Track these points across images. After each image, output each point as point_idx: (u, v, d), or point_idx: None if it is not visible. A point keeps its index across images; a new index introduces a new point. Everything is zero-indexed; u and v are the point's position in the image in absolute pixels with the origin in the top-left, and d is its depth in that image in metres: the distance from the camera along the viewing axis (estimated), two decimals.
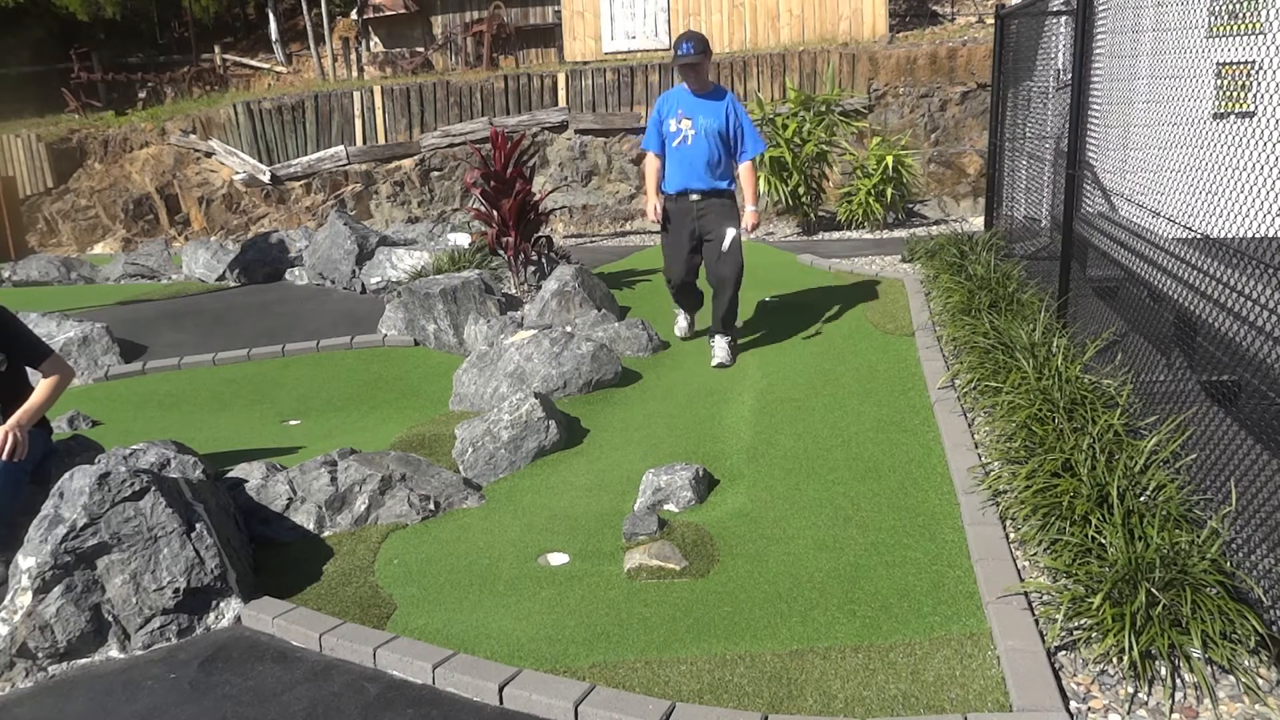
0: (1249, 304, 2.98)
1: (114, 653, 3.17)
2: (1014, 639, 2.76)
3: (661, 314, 6.65)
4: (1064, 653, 2.74)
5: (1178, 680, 2.59)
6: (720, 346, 5.60)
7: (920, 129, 10.93)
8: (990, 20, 12.00)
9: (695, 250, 5.57)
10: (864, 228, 9.92)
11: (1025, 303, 5.25)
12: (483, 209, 7.66)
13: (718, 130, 5.43)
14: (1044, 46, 6.37)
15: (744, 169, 5.55)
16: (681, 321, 6.16)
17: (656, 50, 12.54)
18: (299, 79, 15.25)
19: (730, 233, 5.44)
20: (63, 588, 3.13)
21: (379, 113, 12.19)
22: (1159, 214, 4.05)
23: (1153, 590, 2.67)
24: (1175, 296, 3.72)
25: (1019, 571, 3.14)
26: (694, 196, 5.47)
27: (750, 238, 4.94)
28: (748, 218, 5.50)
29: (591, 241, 10.87)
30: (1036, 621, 2.84)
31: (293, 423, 5.35)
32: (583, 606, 3.20)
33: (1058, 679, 2.60)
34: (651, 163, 5.65)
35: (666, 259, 5.72)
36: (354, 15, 15.08)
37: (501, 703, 2.75)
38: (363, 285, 8.10)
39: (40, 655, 3.10)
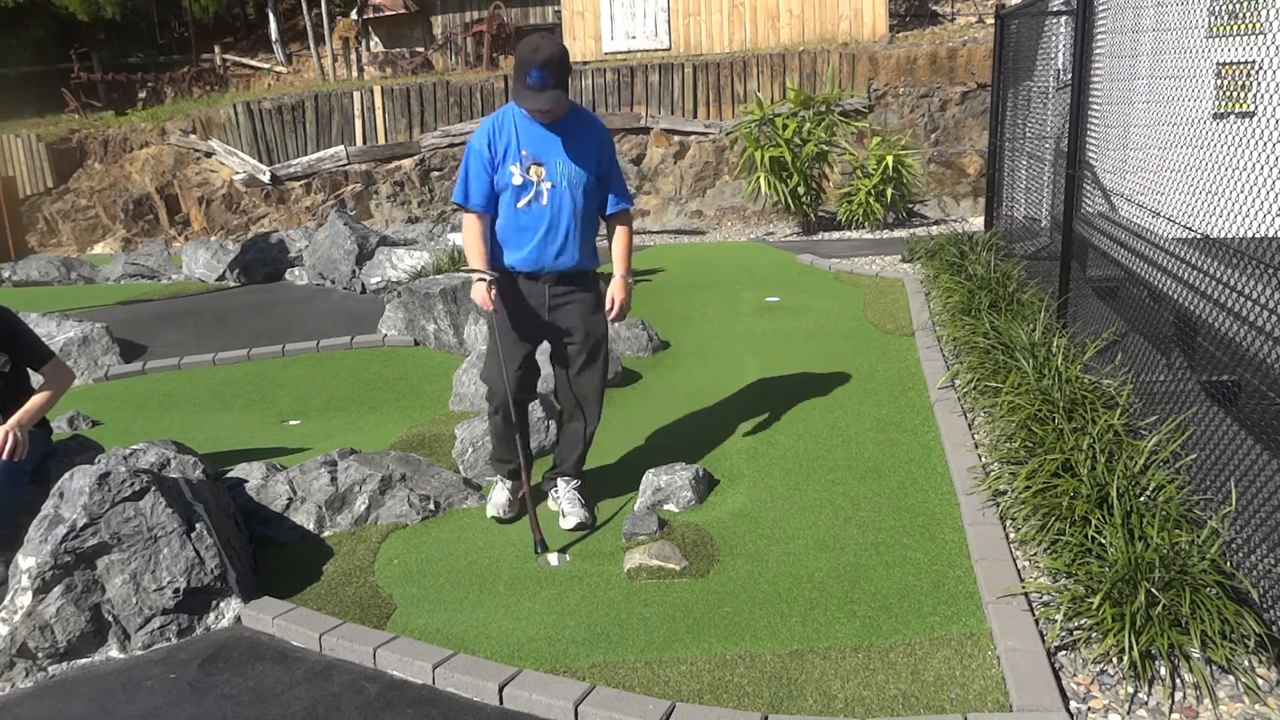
0: (1249, 304, 2.98)
1: (114, 653, 3.17)
2: (1014, 639, 2.76)
3: (662, 313, 6.65)
4: (1064, 653, 2.74)
5: (1178, 680, 2.59)
6: (570, 498, 3.85)
7: (920, 129, 10.93)
8: (990, 20, 12.00)
9: (534, 351, 3.83)
10: (864, 228, 9.92)
11: (1025, 303, 5.25)
12: None
13: (587, 183, 3.61)
14: (1044, 46, 6.37)
15: (621, 230, 3.76)
16: (500, 493, 3.92)
17: (656, 50, 12.53)
18: (299, 79, 15.25)
19: (599, 334, 3.78)
20: (63, 588, 3.13)
21: (379, 113, 12.19)
22: (1159, 214, 4.05)
23: (1152, 590, 2.67)
24: (1175, 296, 3.72)
25: (1019, 571, 3.14)
26: (550, 280, 3.68)
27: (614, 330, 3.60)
28: (617, 287, 3.69)
29: None
30: (1036, 621, 2.84)
31: (293, 423, 5.34)
32: (583, 606, 3.20)
33: (1058, 679, 2.60)
34: (473, 227, 3.63)
35: (494, 355, 3.73)
36: (354, 15, 15.08)
37: (501, 703, 2.75)
38: (363, 285, 8.09)
39: (40, 655, 3.10)
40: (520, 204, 3.58)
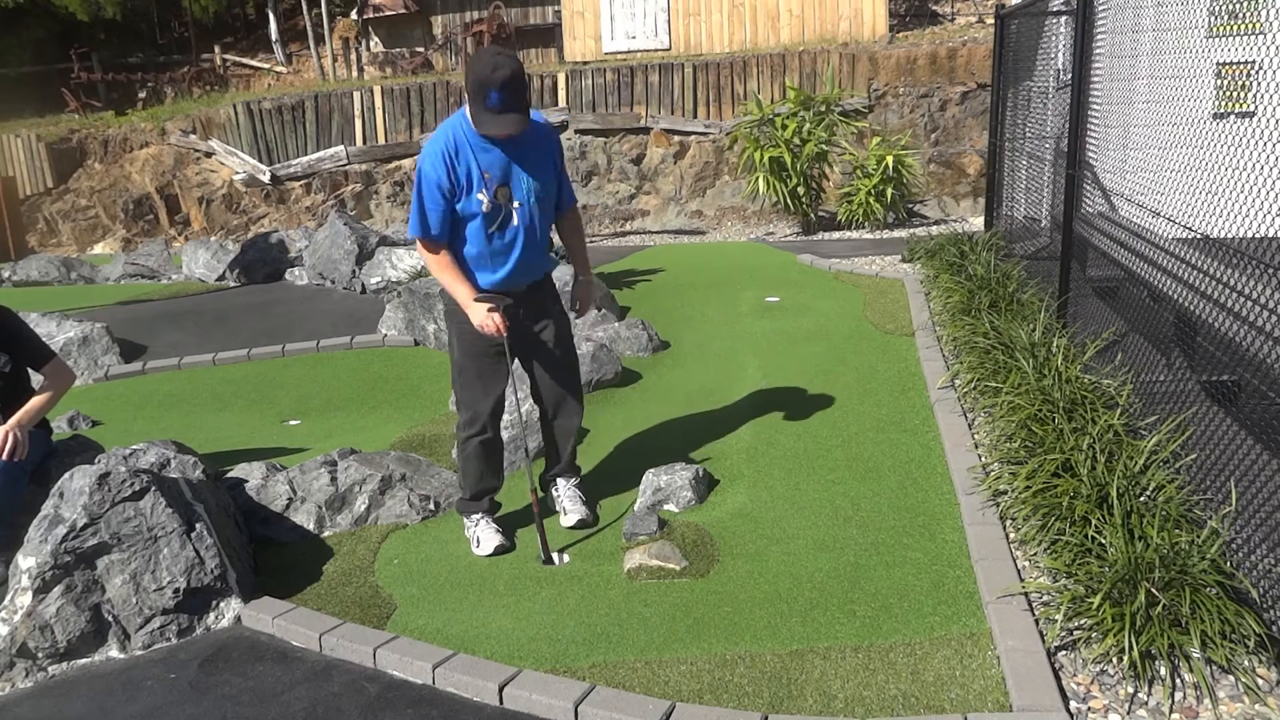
0: (1249, 304, 2.98)
1: (114, 653, 3.17)
2: (1014, 639, 2.76)
3: (661, 313, 6.65)
4: (1064, 653, 2.74)
5: (1178, 680, 2.59)
6: (570, 495, 3.83)
7: (920, 129, 10.93)
8: (990, 20, 12.00)
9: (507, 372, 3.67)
10: (864, 228, 9.92)
11: (1025, 303, 5.25)
12: None
13: (548, 192, 3.51)
14: (1044, 46, 6.37)
15: (574, 227, 3.76)
16: (487, 531, 3.66)
17: (656, 50, 12.53)
18: (299, 79, 15.25)
19: (569, 329, 3.78)
20: (63, 588, 3.13)
21: (379, 113, 12.19)
22: (1159, 214, 4.05)
23: (1152, 590, 2.67)
24: (1175, 296, 3.72)
25: (1019, 571, 3.14)
26: (521, 292, 3.60)
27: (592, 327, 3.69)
28: (586, 291, 3.76)
29: (591, 241, 10.87)
30: (1036, 621, 2.84)
31: (293, 423, 5.34)
32: (583, 606, 3.20)
33: (1058, 679, 2.60)
34: (443, 256, 3.45)
35: (481, 379, 3.60)
36: (354, 15, 15.08)
37: (501, 703, 2.75)
38: (363, 285, 8.09)
39: (40, 655, 3.10)
40: (492, 229, 3.43)
